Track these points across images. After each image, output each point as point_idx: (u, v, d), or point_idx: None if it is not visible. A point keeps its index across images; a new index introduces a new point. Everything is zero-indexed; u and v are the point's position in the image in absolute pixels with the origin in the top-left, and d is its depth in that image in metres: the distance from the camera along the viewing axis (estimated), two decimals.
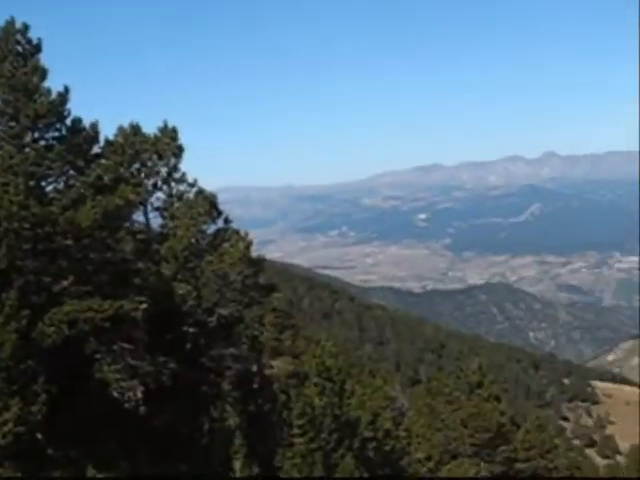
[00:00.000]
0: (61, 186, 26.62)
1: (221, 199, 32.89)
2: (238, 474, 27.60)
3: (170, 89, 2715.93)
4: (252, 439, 28.96)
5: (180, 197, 32.26)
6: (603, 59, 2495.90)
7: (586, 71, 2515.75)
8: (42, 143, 26.43)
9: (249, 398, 30.76)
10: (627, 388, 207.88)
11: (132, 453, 26.31)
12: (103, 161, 27.91)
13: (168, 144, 31.92)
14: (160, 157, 32.10)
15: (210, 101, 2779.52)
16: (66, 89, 26.44)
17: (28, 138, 26.22)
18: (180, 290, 30.83)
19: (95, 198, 25.30)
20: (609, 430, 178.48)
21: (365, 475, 30.57)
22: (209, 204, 31.69)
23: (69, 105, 26.52)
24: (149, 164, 32.27)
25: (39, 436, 22.88)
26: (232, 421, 28.91)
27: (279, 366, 36.00)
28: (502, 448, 51.29)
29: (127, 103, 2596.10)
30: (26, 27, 26.08)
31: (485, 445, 50.47)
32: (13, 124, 26.19)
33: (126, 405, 28.53)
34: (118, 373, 27.39)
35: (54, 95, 26.18)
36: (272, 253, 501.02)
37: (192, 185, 32.22)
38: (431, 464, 39.19)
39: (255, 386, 31.19)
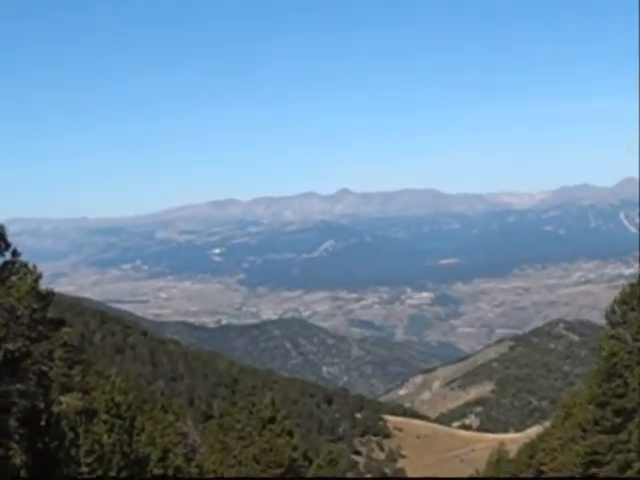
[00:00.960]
0: None
1: (11, 230, 31.96)
2: None
3: None
4: (38, 477, 28.19)
5: None
6: (376, 105, 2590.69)
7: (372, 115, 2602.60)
8: None
9: (36, 435, 29.92)
10: (418, 422, 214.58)
11: None
12: None
13: None
14: None
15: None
16: None
17: None
18: None
19: None
20: (400, 463, 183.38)
21: None
22: None
23: None
24: None
25: None
26: (18, 459, 28.04)
27: (68, 402, 35.25)
28: None
29: None
30: None
31: None
32: None
33: None
34: None
35: None
36: (64, 286, 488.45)
37: None
38: None
39: (42, 423, 30.39)
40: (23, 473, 27.15)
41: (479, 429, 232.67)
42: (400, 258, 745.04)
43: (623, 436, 39.88)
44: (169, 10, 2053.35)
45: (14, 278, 31.86)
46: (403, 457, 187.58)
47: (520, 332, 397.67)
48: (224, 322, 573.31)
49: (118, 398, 32.91)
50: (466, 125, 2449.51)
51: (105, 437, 31.40)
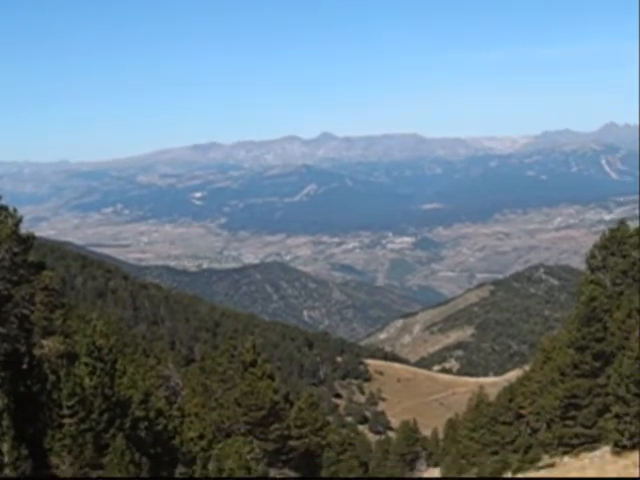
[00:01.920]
0: None
1: None
2: (6, 456, 26.86)
3: None
4: (20, 420, 28.23)
5: None
6: (358, 50, 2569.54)
7: (359, 57, 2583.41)
8: None
9: (18, 379, 29.92)
10: (398, 365, 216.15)
11: None
12: None
13: None
14: None
15: None
16: None
17: None
18: None
19: None
20: (380, 407, 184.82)
21: (136, 454, 30.42)
22: None
23: None
24: None
25: None
26: (0, 402, 28.05)
27: (49, 346, 35.17)
28: (275, 426, 52.02)
29: None
30: None
31: (258, 423, 51.11)
32: None
33: None
34: None
35: None
36: (44, 231, 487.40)
37: None
38: (204, 443, 39.41)
39: (24, 366, 30.38)
40: (5, 416, 27.17)
41: (459, 373, 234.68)
42: (382, 202, 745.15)
43: (602, 380, 40.31)
44: None
45: None
46: (383, 400, 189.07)
47: (501, 276, 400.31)
48: (205, 266, 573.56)
49: (99, 341, 32.86)
50: (449, 69, 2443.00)
51: (87, 380, 31.40)
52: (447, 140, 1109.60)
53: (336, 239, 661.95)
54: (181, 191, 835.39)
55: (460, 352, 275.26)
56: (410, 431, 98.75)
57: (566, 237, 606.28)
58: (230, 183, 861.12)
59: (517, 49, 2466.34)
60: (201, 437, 39.43)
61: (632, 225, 49.96)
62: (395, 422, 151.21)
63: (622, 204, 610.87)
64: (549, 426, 45.40)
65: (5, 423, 27.01)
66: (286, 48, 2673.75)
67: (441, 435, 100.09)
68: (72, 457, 29.65)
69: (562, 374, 42.85)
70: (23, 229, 32.97)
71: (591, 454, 38.63)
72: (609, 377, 39.08)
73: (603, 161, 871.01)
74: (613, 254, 47.57)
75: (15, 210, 32.67)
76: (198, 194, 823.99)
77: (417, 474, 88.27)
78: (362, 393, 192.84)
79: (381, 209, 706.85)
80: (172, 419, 38.40)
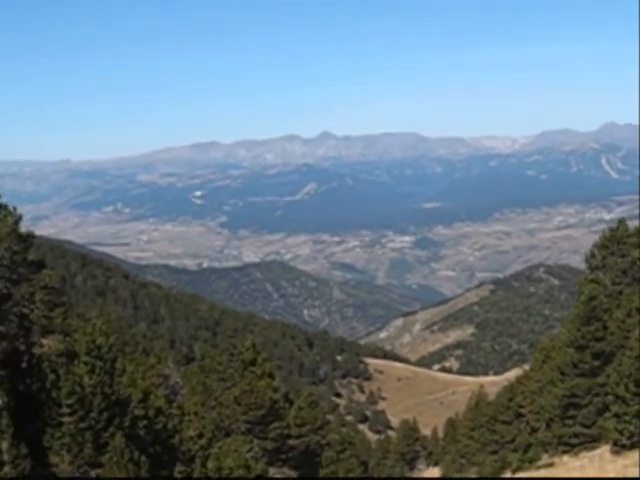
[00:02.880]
0: None
1: None
2: (5, 455, 26.86)
3: None
4: (20, 419, 28.24)
5: None
6: (359, 49, 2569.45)
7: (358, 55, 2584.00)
8: None
9: (17, 377, 29.94)
10: (398, 364, 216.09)
11: None
12: None
13: None
14: None
15: None
16: None
17: None
18: None
19: None
20: (380, 406, 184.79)
21: (136, 453, 30.42)
22: None
23: None
24: None
25: None
26: (0, 400, 28.07)
27: (49, 344, 35.18)
28: (275, 425, 52.02)
29: None
30: None
31: (258, 422, 51.13)
32: None
33: None
34: None
35: None
36: (45, 229, 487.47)
37: None
38: (203, 441, 39.44)
39: (24, 365, 30.40)
40: (4, 414, 27.18)
41: (459, 372, 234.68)
42: (382, 201, 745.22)
43: (601, 379, 40.32)
44: None
45: None
46: (383, 399, 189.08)
47: (501, 276, 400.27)
48: (206, 265, 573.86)
49: (99, 340, 32.88)
50: (449, 68, 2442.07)
51: (86, 379, 31.42)
52: (447, 139, 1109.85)
53: (336, 238, 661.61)
54: (181, 190, 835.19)
55: (460, 351, 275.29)
56: (410, 430, 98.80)
57: (566, 236, 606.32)
58: (230, 182, 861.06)
59: (518, 48, 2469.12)
60: (200, 436, 39.45)
61: (632, 224, 49.98)
62: (395, 421, 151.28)
63: (622, 203, 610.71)
64: (549, 425, 45.43)
65: (4, 421, 27.02)
66: (286, 47, 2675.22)
67: (441, 434, 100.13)
68: (71, 455, 29.66)
69: (562, 373, 42.86)
70: (23, 228, 32.98)
71: (590, 453, 38.64)
72: (609, 376, 39.09)
73: (603, 160, 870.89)
74: (613, 253, 47.59)
75: (15, 209, 32.67)
76: (198, 193, 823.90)
77: (417, 473, 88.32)
78: (362, 392, 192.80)
79: (381, 208, 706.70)
80: (171, 418, 38.41)
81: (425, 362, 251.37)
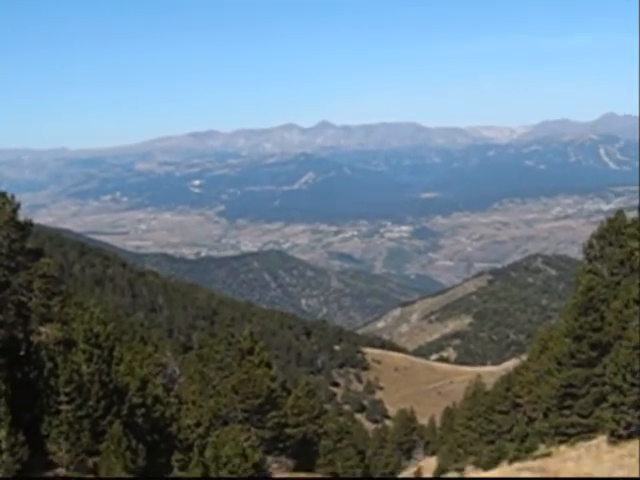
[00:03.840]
0: None
1: None
2: (3, 443, 26.91)
3: None
4: (18, 407, 28.28)
5: None
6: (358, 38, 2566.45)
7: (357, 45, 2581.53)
8: None
9: (15, 365, 29.97)
10: (395, 354, 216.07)
11: None
12: None
13: None
14: None
15: None
16: None
17: None
18: None
19: None
20: (378, 395, 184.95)
21: (133, 441, 30.47)
22: None
23: None
24: None
25: None
26: None
27: (47, 333, 35.20)
28: (272, 414, 52.15)
29: None
30: None
31: (256, 411, 51.23)
32: None
33: None
34: None
35: None
36: (43, 218, 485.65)
37: None
38: (201, 430, 39.52)
39: (22, 353, 30.43)
40: (2, 402, 27.20)
41: (457, 362, 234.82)
42: (380, 191, 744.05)
43: (598, 369, 40.35)
44: None
45: None
46: (381, 389, 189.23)
47: (499, 266, 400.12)
48: (203, 254, 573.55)
49: (97, 328, 32.92)
50: (448, 58, 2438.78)
51: (84, 367, 31.47)
52: (446, 129, 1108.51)
53: (334, 227, 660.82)
54: (179, 179, 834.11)
55: (458, 341, 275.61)
56: (407, 420, 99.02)
57: (564, 227, 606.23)
58: (228, 171, 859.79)
59: (517, 39, 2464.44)
60: (198, 424, 39.55)
61: (630, 215, 49.95)
62: (392, 411, 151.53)
63: (620, 194, 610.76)
64: (546, 415, 45.50)
65: (2, 409, 27.04)
66: (285, 36, 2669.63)
67: (438, 424, 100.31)
68: (69, 444, 29.71)
69: (559, 363, 42.89)
70: (21, 216, 32.99)
71: (587, 443, 38.71)
72: (606, 367, 39.11)
73: (602, 151, 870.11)
74: (611, 244, 47.57)
75: (13, 196, 32.67)
76: (196, 182, 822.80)
77: (414, 462, 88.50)
78: (359, 382, 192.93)
79: (379, 198, 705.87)
80: (169, 406, 38.49)
81: (423, 352, 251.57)
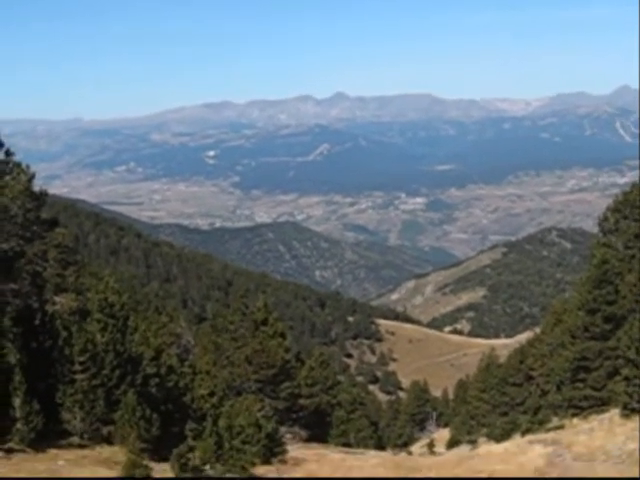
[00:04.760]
0: None
1: (5, 131, 31.76)
2: (18, 411, 27.14)
3: None
4: (33, 376, 28.49)
5: None
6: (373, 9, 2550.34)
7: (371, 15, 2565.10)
8: None
9: (30, 334, 30.14)
10: (409, 326, 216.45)
11: None
12: None
13: None
14: None
15: None
16: None
17: None
18: None
19: None
20: (391, 367, 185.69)
21: (147, 410, 30.66)
22: None
23: None
24: None
25: None
26: (12, 357, 28.28)
27: (62, 302, 35.37)
28: (286, 384, 52.35)
29: None
30: None
31: (269, 381, 51.45)
32: None
33: None
34: None
35: None
36: (58, 188, 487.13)
37: None
38: (214, 400, 39.71)
39: (36, 322, 30.58)
40: (17, 371, 27.41)
41: (470, 334, 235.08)
42: (395, 163, 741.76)
43: (612, 342, 40.34)
44: None
45: (7, 178, 31.69)
46: (394, 360, 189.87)
47: (513, 239, 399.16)
48: (218, 225, 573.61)
49: (111, 298, 33.05)
50: (464, 30, 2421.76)
51: (98, 336, 31.63)
52: (461, 101, 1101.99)
53: (349, 199, 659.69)
54: (194, 150, 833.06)
55: (472, 313, 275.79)
56: (420, 391, 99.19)
57: (579, 200, 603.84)
58: (243, 142, 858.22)
59: (533, 11, 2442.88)
60: (212, 394, 39.72)
61: None
62: (406, 382, 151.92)
63: (636, 168, 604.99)
64: (559, 388, 45.54)
65: (17, 378, 27.25)
66: (299, 6, 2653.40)
67: (451, 396, 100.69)
68: (83, 412, 29.93)
69: (572, 336, 42.89)
70: (36, 186, 33.06)
71: (600, 416, 38.74)
72: (619, 340, 39.10)
73: (617, 124, 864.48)
74: (626, 217, 47.36)
75: (28, 167, 32.73)
76: (211, 153, 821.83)
77: (427, 434, 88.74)
78: (373, 353, 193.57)
79: (394, 169, 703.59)
80: (183, 376, 38.66)
81: (436, 324, 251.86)
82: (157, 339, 39.47)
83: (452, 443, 67.15)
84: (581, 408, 41.62)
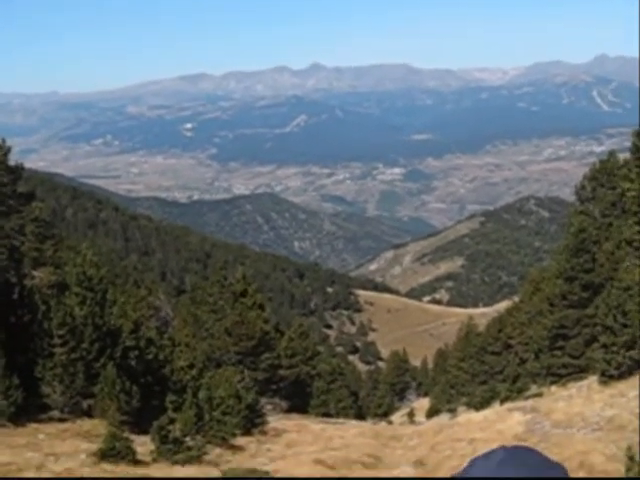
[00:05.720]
0: None
1: None
2: None
3: None
4: (11, 350, 28.39)
5: None
6: None
7: None
8: None
9: (8, 309, 30.01)
10: (388, 296, 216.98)
11: None
12: None
13: None
14: None
15: None
16: None
17: None
18: None
19: None
20: (371, 337, 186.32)
21: (127, 383, 30.66)
22: None
23: None
24: None
25: None
26: None
27: (40, 276, 35.22)
28: (266, 355, 52.49)
29: None
30: None
31: (249, 353, 51.56)
32: None
33: None
34: None
35: None
36: (34, 162, 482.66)
37: None
38: (194, 372, 39.75)
39: (15, 297, 30.44)
40: None
41: (449, 304, 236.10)
42: (372, 133, 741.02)
43: (590, 310, 40.62)
44: None
45: None
46: (374, 330, 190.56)
47: (491, 208, 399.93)
48: (196, 197, 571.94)
49: (90, 271, 32.91)
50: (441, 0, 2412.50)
51: (77, 310, 31.52)
52: (438, 71, 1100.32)
53: (326, 170, 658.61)
54: (171, 122, 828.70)
55: (450, 283, 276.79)
56: (400, 361, 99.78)
57: (556, 169, 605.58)
58: (220, 114, 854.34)
59: None
60: (191, 366, 39.74)
61: (622, 157, 49.87)
62: (385, 352, 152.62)
63: (612, 136, 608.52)
64: (537, 356, 45.89)
65: None
66: None
67: (431, 365, 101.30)
68: (63, 386, 29.88)
69: (551, 305, 43.17)
70: (12, 161, 32.81)
71: (579, 384, 39.09)
72: (597, 307, 39.38)
73: (594, 93, 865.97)
74: (602, 185, 47.60)
75: (3, 140, 32.47)
76: (188, 125, 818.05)
77: (407, 404, 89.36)
78: (352, 324, 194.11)
79: (371, 140, 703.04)
80: (163, 349, 38.67)
81: (415, 294, 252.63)
82: (136, 312, 39.42)
83: (432, 412, 67.73)
84: (559, 376, 41.98)
